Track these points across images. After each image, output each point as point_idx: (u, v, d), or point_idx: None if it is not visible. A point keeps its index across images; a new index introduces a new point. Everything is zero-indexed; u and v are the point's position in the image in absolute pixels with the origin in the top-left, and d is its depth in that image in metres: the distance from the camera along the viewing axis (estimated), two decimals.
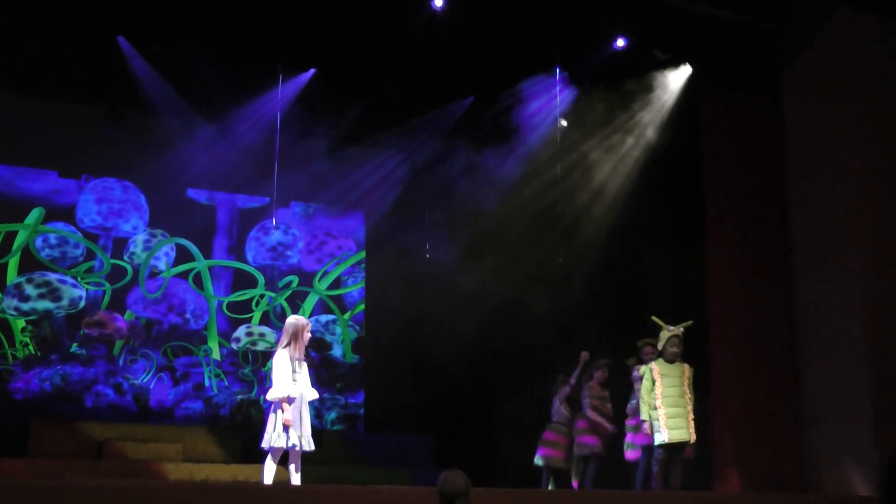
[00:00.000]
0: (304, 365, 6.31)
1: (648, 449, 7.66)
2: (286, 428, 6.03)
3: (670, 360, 7.52)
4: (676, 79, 9.42)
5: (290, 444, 6.08)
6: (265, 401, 6.48)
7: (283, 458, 6.32)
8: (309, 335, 6.32)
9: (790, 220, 9.01)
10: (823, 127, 8.67)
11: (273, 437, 6.11)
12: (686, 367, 7.62)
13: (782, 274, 8.94)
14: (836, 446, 8.22)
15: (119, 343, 10.27)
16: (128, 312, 10.40)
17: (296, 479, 6.30)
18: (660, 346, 7.60)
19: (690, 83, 9.33)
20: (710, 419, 8.39)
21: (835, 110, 8.59)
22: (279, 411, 6.09)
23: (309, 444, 6.21)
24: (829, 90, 8.66)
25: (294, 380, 6.16)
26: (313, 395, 6.38)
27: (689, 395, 7.51)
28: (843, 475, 8.07)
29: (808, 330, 8.70)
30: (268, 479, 6.23)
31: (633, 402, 8.00)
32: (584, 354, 8.46)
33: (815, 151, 8.78)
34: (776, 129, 9.10)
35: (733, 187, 9.10)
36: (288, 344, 6.23)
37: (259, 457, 6.46)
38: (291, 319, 6.36)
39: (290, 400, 6.10)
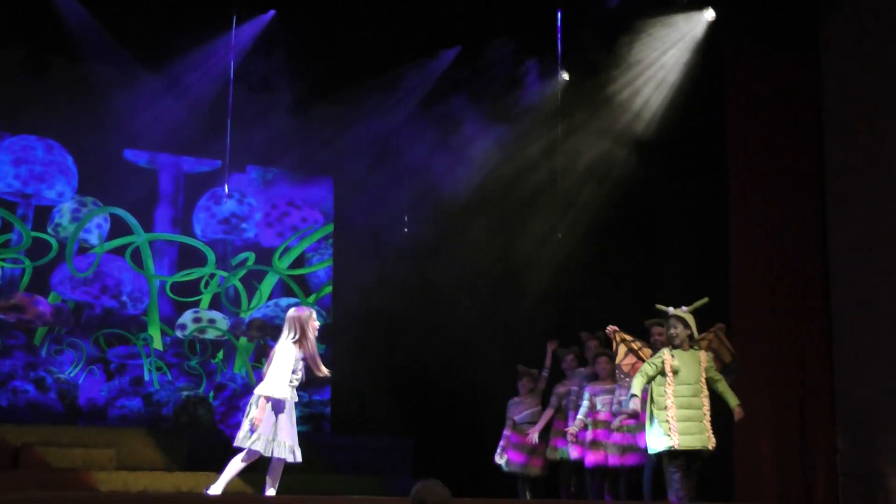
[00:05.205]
0: (303, 366, 6.43)
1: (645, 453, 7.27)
2: (252, 428, 6.13)
3: (677, 346, 6.91)
4: (696, 26, 9.23)
5: (253, 447, 6.16)
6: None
7: (264, 466, 6.31)
8: (317, 324, 6.44)
9: (827, 195, 8.92)
10: (868, 89, 8.60)
11: (241, 435, 6.21)
12: (703, 354, 7.03)
13: (818, 257, 8.89)
14: (876, 454, 8.21)
15: (41, 331, 10.19)
16: (52, 294, 10.31)
17: (269, 492, 6.35)
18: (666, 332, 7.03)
19: (712, 32, 9.17)
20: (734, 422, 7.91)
21: (881, 70, 8.49)
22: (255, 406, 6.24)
23: (294, 455, 6.28)
24: (874, 48, 8.57)
25: (291, 382, 6.29)
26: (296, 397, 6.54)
27: (705, 393, 6.87)
28: (883, 487, 8.05)
29: (846, 323, 8.64)
30: (218, 484, 6.25)
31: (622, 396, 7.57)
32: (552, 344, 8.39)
33: (857, 116, 8.69)
34: (812, 90, 9.10)
35: (760, 156, 9.00)
36: (297, 340, 6.35)
37: (207, 465, 6.69)
38: (292, 312, 6.46)
39: (275, 402, 6.20)
